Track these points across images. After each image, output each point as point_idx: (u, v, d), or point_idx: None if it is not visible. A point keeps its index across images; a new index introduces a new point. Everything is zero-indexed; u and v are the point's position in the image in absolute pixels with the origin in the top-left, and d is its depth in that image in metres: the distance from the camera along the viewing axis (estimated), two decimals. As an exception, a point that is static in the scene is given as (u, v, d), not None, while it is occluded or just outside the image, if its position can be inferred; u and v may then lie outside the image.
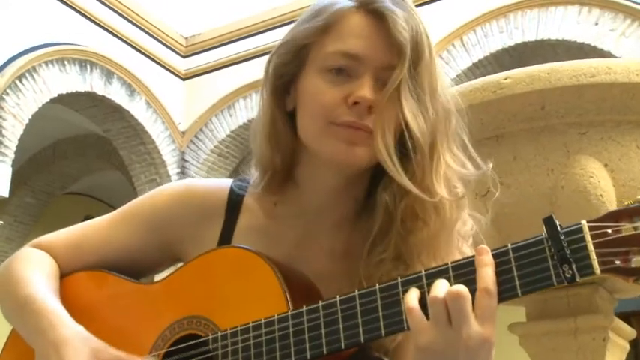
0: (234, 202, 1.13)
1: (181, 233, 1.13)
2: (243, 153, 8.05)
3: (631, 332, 1.85)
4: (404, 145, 1.03)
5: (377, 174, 1.06)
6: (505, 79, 1.61)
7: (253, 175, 1.13)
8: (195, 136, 8.23)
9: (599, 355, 1.71)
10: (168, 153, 8.03)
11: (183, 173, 8.01)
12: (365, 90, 0.99)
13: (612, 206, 1.57)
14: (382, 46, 1.02)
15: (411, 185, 1.01)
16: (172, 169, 7.98)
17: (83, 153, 8.91)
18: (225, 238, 1.10)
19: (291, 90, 1.07)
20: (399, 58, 1.01)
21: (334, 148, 1.01)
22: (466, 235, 1.06)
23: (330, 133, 1.01)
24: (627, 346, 1.84)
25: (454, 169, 1.06)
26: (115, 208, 1.22)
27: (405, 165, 1.03)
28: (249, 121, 7.66)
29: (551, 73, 1.57)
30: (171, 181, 7.07)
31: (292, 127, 1.07)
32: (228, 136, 8.10)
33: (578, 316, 1.73)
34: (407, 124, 1.00)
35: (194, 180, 1.20)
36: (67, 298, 1.08)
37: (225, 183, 1.16)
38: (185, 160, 8.17)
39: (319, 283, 1.02)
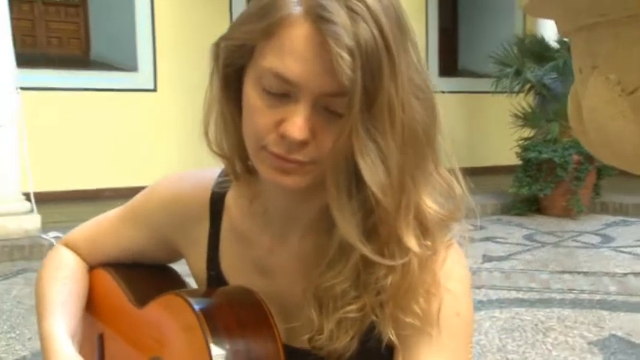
0: (216, 204, 1.14)
1: (173, 235, 1.19)
2: None
3: None
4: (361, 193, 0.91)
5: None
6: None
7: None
8: None
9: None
10: None
11: None
12: (296, 127, 0.88)
13: None
14: (326, 72, 0.86)
15: (374, 255, 0.93)
16: None
17: None
18: (213, 240, 1.15)
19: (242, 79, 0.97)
20: (349, 91, 0.84)
21: (267, 172, 0.94)
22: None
23: (262, 157, 0.94)
24: None
25: (431, 215, 0.95)
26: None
27: (366, 219, 0.93)
28: None
29: None
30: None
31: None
32: None
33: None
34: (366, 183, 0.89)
35: (182, 178, 1.20)
36: (92, 294, 1.27)
37: (210, 181, 1.15)
38: None
39: (285, 289, 1.07)
